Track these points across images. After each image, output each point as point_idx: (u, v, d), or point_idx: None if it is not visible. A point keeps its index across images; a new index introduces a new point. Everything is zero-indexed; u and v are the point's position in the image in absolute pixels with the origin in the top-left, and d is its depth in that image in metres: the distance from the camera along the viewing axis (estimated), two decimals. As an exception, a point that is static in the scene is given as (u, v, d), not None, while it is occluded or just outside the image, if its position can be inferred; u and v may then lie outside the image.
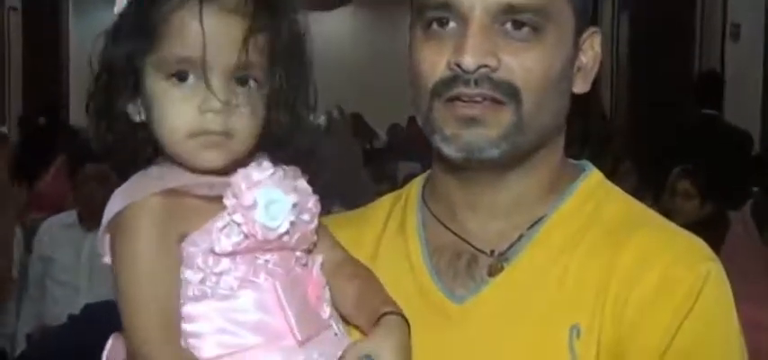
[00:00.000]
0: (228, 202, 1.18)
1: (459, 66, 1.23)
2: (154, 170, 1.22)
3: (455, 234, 1.34)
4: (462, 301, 1.30)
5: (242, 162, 1.22)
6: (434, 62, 1.26)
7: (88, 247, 4.64)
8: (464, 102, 1.25)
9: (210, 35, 1.16)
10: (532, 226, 1.32)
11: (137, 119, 1.22)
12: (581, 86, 1.34)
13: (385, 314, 1.22)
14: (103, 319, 4.24)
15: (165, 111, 1.19)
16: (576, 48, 1.31)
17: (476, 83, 1.24)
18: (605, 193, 1.36)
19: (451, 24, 1.26)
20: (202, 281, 1.19)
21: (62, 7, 16.69)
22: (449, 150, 1.27)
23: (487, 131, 1.25)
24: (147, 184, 1.18)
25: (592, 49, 1.34)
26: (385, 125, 11.03)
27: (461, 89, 1.24)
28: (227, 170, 1.21)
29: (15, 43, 14.82)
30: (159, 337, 1.16)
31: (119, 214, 1.18)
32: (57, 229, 4.89)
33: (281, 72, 1.22)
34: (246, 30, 1.18)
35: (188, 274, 1.19)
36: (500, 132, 1.25)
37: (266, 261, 1.21)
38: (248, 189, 1.18)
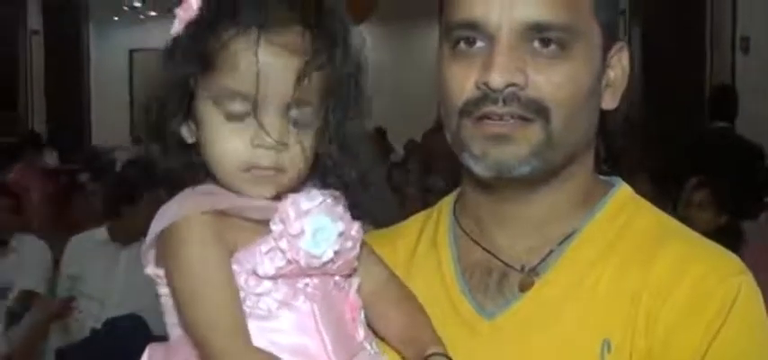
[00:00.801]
0: (275, 227, 1.16)
1: (487, 85, 1.22)
2: (203, 188, 1.20)
3: (486, 250, 1.33)
4: (493, 317, 1.28)
5: (295, 188, 1.20)
6: (462, 81, 1.24)
7: (123, 262, 4.72)
8: (493, 120, 1.23)
9: (266, 71, 1.13)
10: (563, 241, 1.30)
11: (189, 141, 1.20)
12: (610, 102, 1.32)
13: (432, 355, 1.20)
14: (126, 331, 4.32)
15: (217, 141, 1.16)
16: (604, 63, 1.29)
17: (504, 102, 1.22)
18: (636, 206, 1.33)
19: (479, 43, 1.24)
20: (242, 301, 1.17)
21: (82, 30, 16.80)
22: (478, 168, 1.25)
23: (517, 149, 1.23)
24: (197, 201, 1.16)
25: (620, 65, 1.32)
26: (401, 140, 11.01)
27: (490, 108, 1.22)
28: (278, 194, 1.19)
29: (37, 66, 14.95)
30: (235, 337, 1.13)
31: (170, 227, 1.15)
32: (87, 246, 4.91)
33: (334, 108, 1.19)
34: (303, 67, 1.15)
35: None
36: (530, 149, 1.23)
37: (306, 284, 1.19)
38: (297, 218, 1.16)
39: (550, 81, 1.22)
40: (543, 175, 1.27)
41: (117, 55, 18.13)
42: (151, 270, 1.21)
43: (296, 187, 1.20)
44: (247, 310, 1.16)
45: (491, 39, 1.23)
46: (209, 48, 1.15)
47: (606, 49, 1.29)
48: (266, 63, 1.13)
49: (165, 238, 1.16)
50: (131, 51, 18.42)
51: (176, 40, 1.19)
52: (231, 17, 1.15)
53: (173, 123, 1.19)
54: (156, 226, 1.17)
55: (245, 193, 1.17)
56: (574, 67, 1.23)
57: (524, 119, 1.22)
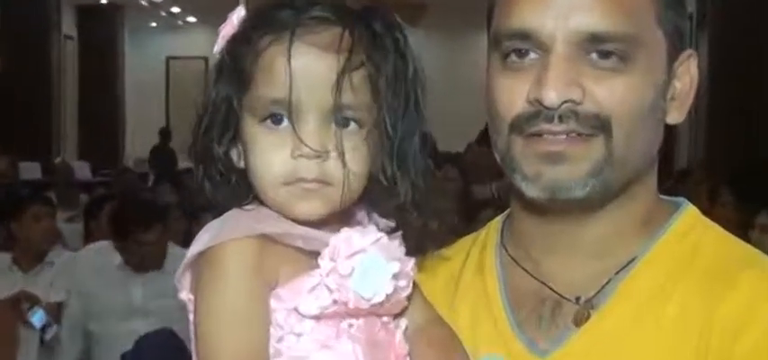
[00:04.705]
0: (324, 264, 1.10)
1: (540, 102, 1.17)
2: (251, 210, 1.15)
3: (537, 279, 1.27)
4: (546, 355, 1.23)
5: (346, 214, 1.15)
6: (513, 96, 1.19)
7: (141, 288, 4.69)
8: (546, 136, 1.18)
9: (301, 74, 1.09)
10: (622, 269, 1.24)
11: (239, 164, 1.16)
12: (676, 117, 1.26)
13: None
14: (159, 345, 4.37)
15: (258, 156, 1.12)
16: (670, 74, 1.24)
17: (560, 119, 1.16)
18: (703, 230, 1.27)
19: (531, 55, 1.19)
20: (279, 339, 1.11)
21: (118, 36, 16.99)
22: (531, 191, 1.20)
23: (574, 167, 1.18)
24: (243, 225, 1.11)
25: (688, 75, 1.26)
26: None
27: (544, 126, 1.17)
28: (328, 220, 1.13)
29: (71, 73, 15.11)
30: None
31: (209, 252, 1.10)
32: (98, 267, 4.84)
33: (386, 113, 1.13)
34: (342, 67, 1.10)
35: None
36: (589, 168, 1.18)
37: (350, 325, 1.13)
38: (348, 257, 1.10)
39: (611, 93, 1.17)
40: (601, 197, 1.21)
41: (153, 62, 18.26)
42: (185, 295, 1.16)
43: (349, 209, 1.15)
44: (283, 349, 1.11)
45: (545, 50, 1.18)
46: (247, 61, 1.12)
47: (672, 58, 1.23)
48: (300, 66, 1.09)
49: (202, 262, 1.11)
50: (168, 58, 18.57)
51: (219, 60, 1.16)
52: (266, 25, 1.12)
53: (220, 146, 1.15)
54: (195, 247, 1.12)
55: (290, 211, 1.12)
56: (636, 80, 1.18)
57: (583, 135, 1.17)
